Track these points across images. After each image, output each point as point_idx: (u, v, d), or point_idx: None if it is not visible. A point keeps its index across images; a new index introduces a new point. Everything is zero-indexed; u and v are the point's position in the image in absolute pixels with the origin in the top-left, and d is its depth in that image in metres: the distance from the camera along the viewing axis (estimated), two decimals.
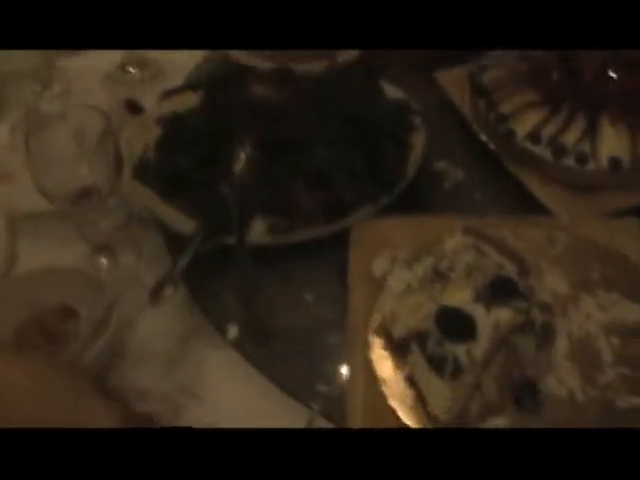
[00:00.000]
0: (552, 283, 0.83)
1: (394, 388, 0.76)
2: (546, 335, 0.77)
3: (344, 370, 0.81)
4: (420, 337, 0.73)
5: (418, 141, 1.00)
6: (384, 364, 0.78)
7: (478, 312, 0.73)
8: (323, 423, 0.78)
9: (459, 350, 0.71)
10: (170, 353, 0.89)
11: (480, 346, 0.71)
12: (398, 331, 0.77)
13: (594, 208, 0.96)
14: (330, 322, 0.86)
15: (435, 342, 0.72)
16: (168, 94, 1.12)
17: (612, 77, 1.03)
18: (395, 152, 0.98)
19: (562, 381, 0.75)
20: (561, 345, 0.78)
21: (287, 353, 0.85)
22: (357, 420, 0.74)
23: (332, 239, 0.91)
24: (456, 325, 0.72)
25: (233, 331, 0.87)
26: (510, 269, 0.79)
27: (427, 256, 0.84)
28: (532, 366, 0.76)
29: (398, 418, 0.73)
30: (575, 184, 0.97)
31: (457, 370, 0.71)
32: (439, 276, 0.80)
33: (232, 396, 0.84)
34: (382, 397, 0.75)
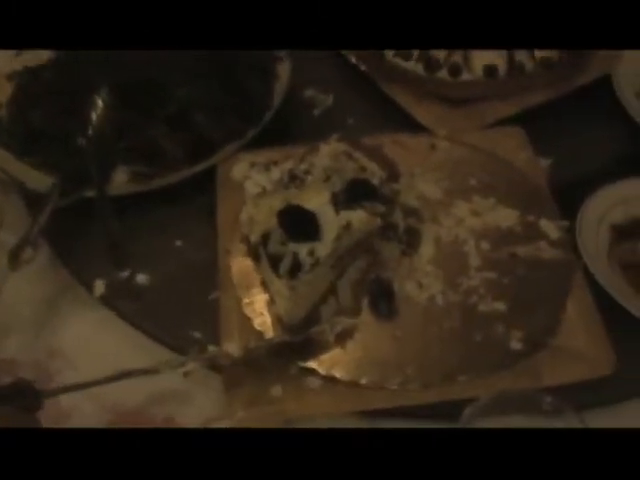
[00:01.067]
0: (424, 189, 0.87)
1: (252, 297, 0.80)
2: (411, 240, 0.80)
3: (218, 314, 0.81)
4: (265, 238, 0.77)
5: (284, 70, 1.02)
6: (245, 273, 0.82)
7: (325, 212, 0.76)
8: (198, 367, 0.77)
9: (300, 249, 0.75)
10: (38, 317, 0.88)
11: (325, 246, 0.75)
12: (254, 237, 0.80)
13: (473, 120, 1.00)
14: (201, 265, 0.85)
15: (276, 241, 0.76)
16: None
17: None
18: (260, 83, 0.99)
19: (423, 286, 0.77)
20: (426, 250, 0.81)
21: (159, 304, 0.85)
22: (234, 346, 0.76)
23: (199, 180, 0.93)
24: (298, 224, 0.76)
25: (100, 287, 0.87)
26: (377, 174, 0.82)
27: (286, 160, 0.87)
28: (393, 271, 0.78)
29: (252, 327, 0.78)
30: (451, 97, 1.01)
31: (295, 268, 0.74)
32: (295, 179, 0.82)
33: (106, 355, 0.85)
34: (244, 309, 0.79)
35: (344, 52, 1.07)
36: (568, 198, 0.88)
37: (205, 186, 0.92)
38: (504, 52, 0.99)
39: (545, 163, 0.94)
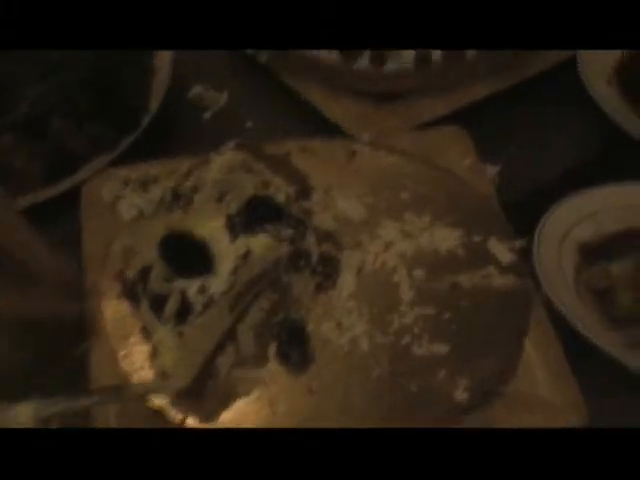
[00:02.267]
0: (343, 206, 0.89)
1: (130, 347, 0.80)
2: (327, 270, 0.82)
3: (88, 369, 0.83)
4: (144, 273, 0.78)
5: (163, 63, 1.04)
6: (120, 318, 0.82)
7: (218, 240, 0.78)
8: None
9: (189, 286, 0.76)
10: None
11: (220, 282, 0.76)
12: (130, 272, 0.81)
13: (403, 120, 1.03)
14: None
15: (158, 277, 0.77)
16: None
17: None
18: (133, 80, 1.00)
19: (343, 327, 0.79)
20: (347, 282, 0.82)
21: (12, 361, 0.86)
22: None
23: (59, 203, 0.95)
24: (185, 255, 0.77)
25: None
26: (283, 190, 0.84)
27: (169, 176, 0.88)
28: (306, 310, 0.80)
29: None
30: (374, 92, 1.04)
31: (183, 311, 0.75)
32: (180, 199, 0.84)
33: None
34: (120, 363, 0.79)
35: None
36: (523, 212, 0.91)
37: (67, 210, 0.92)
38: None
39: (493, 170, 0.98)
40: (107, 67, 1.03)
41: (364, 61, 1.02)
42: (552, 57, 1.09)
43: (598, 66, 1.06)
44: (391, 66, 1.03)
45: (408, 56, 1.02)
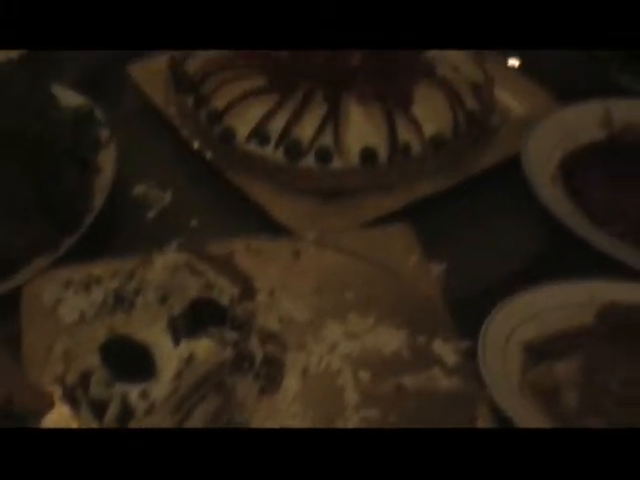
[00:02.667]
0: (287, 307, 0.95)
1: None
2: (271, 373, 0.88)
3: None
4: (85, 378, 0.83)
5: (106, 161, 1.10)
6: (60, 423, 0.86)
7: (161, 343, 0.83)
8: None
9: (130, 391, 0.81)
10: None
11: (162, 386, 0.81)
12: (71, 376, 0.85)
13: (348, 219, 1.09)
14: None
15: (99, 382, 0.82)
16: None
17: None
18: (75, 178, 1.06)
19: None
20: (291, 385, 0.88)
21: None
22: None
23: (2, 302, 0.99)
24: (127, 360, 0.82)
25: None
26: (227, 291, 0.90)
27: (111, 277, 0.94)
28: (250, 414, 0.86)
29: None
30: (320, 190, 1.11)
31: (125, 416, 0.80)
32: (122, 302, 0.90)
33: None
34: None
35: (184, 133, 1.18)
36: (468, 312, 0.97)
37: (7, 313, 0.97)
38: (384, 131, 1.11)
39: (438, 269, 1.03)
40: (45, 161, 1.08)
41: (310, 159, 1.09)
42: (498, 154, 1.17)
43: (542, 164, 1.13)
44: (336, 164, 1.09)
45: (354, 154, 1.10)
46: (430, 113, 1.14)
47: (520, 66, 1.36)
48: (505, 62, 1.33)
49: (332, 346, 0.93)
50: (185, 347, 0.84)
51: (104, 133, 1.13)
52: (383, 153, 1.11)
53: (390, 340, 0.94)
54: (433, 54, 1.21)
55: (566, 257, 1.08)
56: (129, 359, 0.83)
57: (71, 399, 0.86)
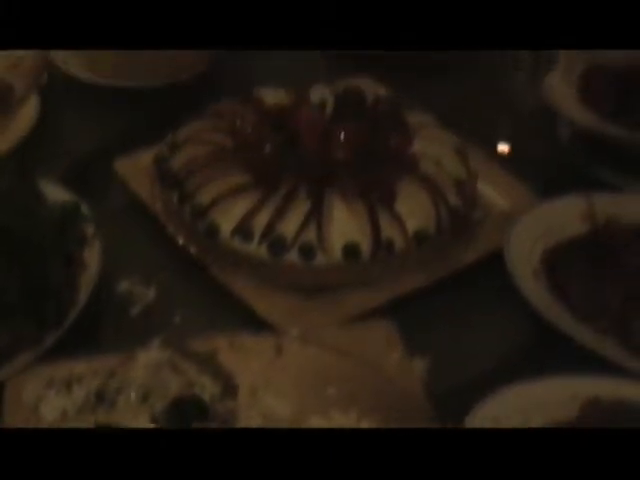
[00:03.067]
0: (269, 404, 0.94)
1: None
2: None
3: None
4: None
5: (92, 257, 1.10)
6: None
7: None
8: None
9: None
10: None
11: None
12: None
13: (331, 315, 1.10)
14: None
15: None
16: None
17: (340, 140, 1.19)
18: (60, 274, 1.07)
19: None
20: None
21: None
22: None
23: None
24: None
25: None
26: (209, 389, 0.90)
27: (93, 375, 0.94)
28: None
29: None
30: (303, 286, 1.12)
31: None
32: (104, 400, 0.90)
33: None
34: None
35: (170, 230, 1.19)
36: (450, 407, 0.96)
37: None
38: (368, 227, 1.12)
39: (421, 365, 1.02)
40: (30, 255, 1.08)
41: (293, 254, 1.10)
42: (481, 249, 1.18)
43: (525, 259, 1.13)
44: (320, 260, 1.10)
45: (337, 250, 1.10)
46: (413, 209, 1.15)
47: (503, 158, 1.37)
48: (488, 156, 1.33)
49: None
50: None
51: (90, 229, 1.14)
52: (366, 249, 1.11)
53: None
54: (417, 149, 1.22)
55: (549, 352, 1.08)
56: None
57: None
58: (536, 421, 0.97)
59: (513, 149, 1.38)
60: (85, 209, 1.16)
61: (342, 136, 1.20)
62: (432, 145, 1.24)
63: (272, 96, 1.30)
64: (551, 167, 1.36)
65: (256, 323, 1.07)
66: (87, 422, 0.88)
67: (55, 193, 1.19)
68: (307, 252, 1.11)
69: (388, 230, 1.13)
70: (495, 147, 1.38)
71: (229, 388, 0.93)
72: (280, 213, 1.13)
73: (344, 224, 1.13)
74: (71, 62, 1.45)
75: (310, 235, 1.11)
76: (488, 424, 0.96)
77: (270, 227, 1.12)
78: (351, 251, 1.11)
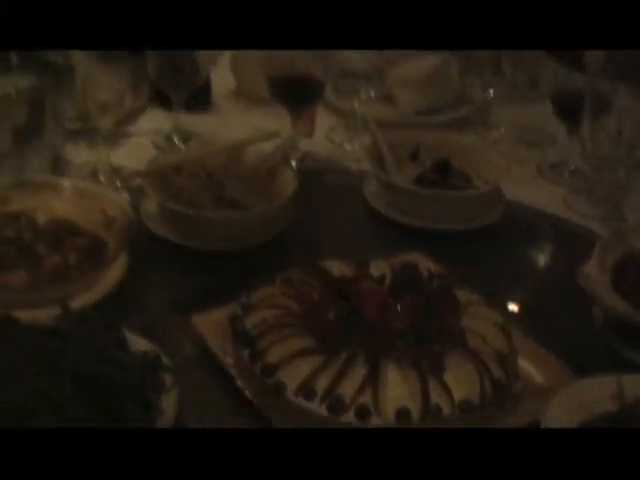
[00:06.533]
0: None
1: None
2: None
3: None
4: None
5: (169, 404, 1.13)
6: None
7: None
8: None
9: None
10: None
11: None
12: None
13: None
14: None
15: None
16: None
17: (397, 311, 1.24)
18: (140, 418, 1.10)
19: None
20: None
21: None
22: None
23: None
24: None
25: None
26: None
27: None
28: None
29: None
30: None
31: None
32: None
33: None
34: None
35: (239, 383, 1.22)
36: None
37: None
38: (418, 394, 1.14)
39: None
40: (115, 405, 1.11)
41: (350, 415, 1.13)
42: (520, 419, 1.19)
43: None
44: (375, 421, 1.13)
45: (390, 413, 1.12)
46: (460, 380, 1.18)
47: (541, 335, 1.40)
48: (527, 333, 1.37)
49: None
50: None
51: (169, 378, 1.17)
52: (416, 413, 1.14)
53: None
54: (465, 324, 1.26)
55: None
56: None
57: None
58: None
59: (550, 327, 1.40)
60: (165, 358, 1.20)
61: (399, 308, 1.25)
62: (478, 321, 1.28)
63: (337, 268, 1.34)
64: (585, 346, 1.38)
65: None
66: None
67: (137, 343, 1.23)
68: (363, 413, 1.13)
69: (436, 397, 1.16)
70: (534, 324, 1.40)
71: None
72: (340, 376, 1.16)
73: (397, 390, 1.16)
74: (158, 224, 1.52)
75: (366, 398, 1.14)
76: None
77: (331, 389, 1.15)
78: (403, 414, 1.14)
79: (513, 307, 1.43)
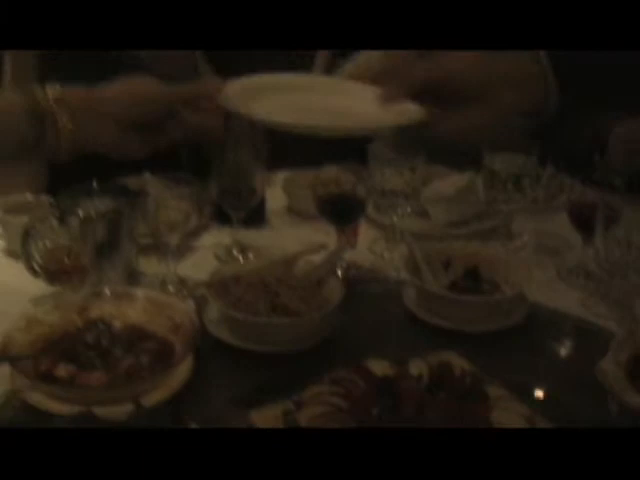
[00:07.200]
0: None
1: None
2: None
3: None
4: None
5: None
6: None
7: None
8: None
9: None
10: None
11: None
12: None
13: None
14: None
15: None
16: None
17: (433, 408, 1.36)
18: None
19: None
20: None
21: None
22: None
23: None
24: None
25: None
26: None
27: None
28: None
29: None
30: None
31: None
32: None
33: None
34: None
35: None
36: None
37: None
38: None
39: None
40: None
41: None
42: None
43: None
44: None
45: None
46: None
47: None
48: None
49: None
50: None
51: None
52: None
53: None
54: (494, 417, 1.37)
55: None
56: None
57: None
58: None
59: (568, 418, 1.46)
60: None
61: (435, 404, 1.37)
62: (508, 414, 1.39)
63: (379, 367, 1.47)
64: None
65: None
66: None
67: None
68: None
69: None
70: (557, 416, 1.45)
71: None
72: None
73: None
74: (219, 329, 1.65)
75: None
76: None
77: None
78: None
79: (538, 398, 1.53)
